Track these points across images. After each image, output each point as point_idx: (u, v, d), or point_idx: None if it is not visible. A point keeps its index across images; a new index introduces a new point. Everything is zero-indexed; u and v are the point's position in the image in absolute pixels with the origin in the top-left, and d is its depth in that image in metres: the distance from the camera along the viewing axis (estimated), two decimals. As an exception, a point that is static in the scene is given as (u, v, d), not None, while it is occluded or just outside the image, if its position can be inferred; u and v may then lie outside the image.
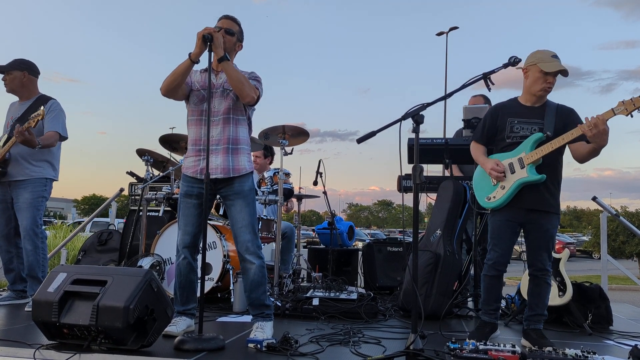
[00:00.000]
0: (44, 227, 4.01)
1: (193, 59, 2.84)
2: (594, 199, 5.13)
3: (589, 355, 2.45)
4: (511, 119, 3.05)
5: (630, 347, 2.59)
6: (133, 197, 5.61)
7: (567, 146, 2.96)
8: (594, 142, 2.76)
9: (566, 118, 2.97)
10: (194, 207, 2.97)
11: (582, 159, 2.94)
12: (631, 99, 2.71)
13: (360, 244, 12.49)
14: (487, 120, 3.15)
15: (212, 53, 2.79)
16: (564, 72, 2.95)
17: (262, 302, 2.96)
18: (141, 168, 4.75)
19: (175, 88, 2.92)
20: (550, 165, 2.95)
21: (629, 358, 2.55)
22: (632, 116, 2.71)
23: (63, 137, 4.00)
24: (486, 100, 4.75)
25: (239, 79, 2.86)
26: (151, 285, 2.46)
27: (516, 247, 3.03)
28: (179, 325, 2.87)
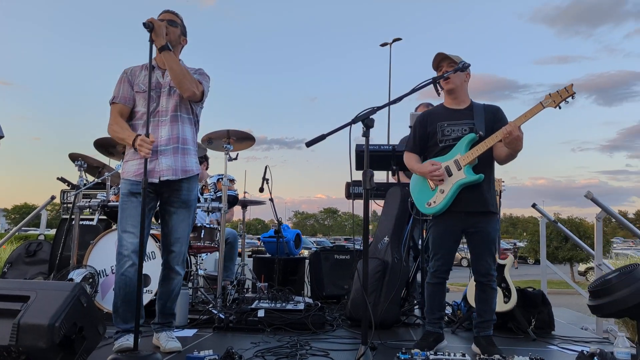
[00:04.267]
0: None
1: None
2: (534, 205, 5.27)
3: (537, 362, 2.46)
4: (441, 122, 3.05)
5: (574, 352, 2.62)
6: (65, 205, 5.27)
7: None
8: (509, 147, 2.85)
9: (494, 116, 3.02)
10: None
11: (501, 160, 3.01)
12: (557, 91, 2.79)
13: (306, 253, 12.38)
14: (417, 129, 3.15)
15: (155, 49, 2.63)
16: (441, 57, 3.00)
17: (172, 312, 3.04)
18: (75, 174, 4.45)
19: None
20: (486, 165, 2.99)
21: (574, 363, 2.58)
22: (560, 107, 2.79)
23: (1, 137, 3.70)
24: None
25: (180, 71, 2.75)
26: (80, 301, 2.25)
27: (458, 253, 3.02)
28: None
